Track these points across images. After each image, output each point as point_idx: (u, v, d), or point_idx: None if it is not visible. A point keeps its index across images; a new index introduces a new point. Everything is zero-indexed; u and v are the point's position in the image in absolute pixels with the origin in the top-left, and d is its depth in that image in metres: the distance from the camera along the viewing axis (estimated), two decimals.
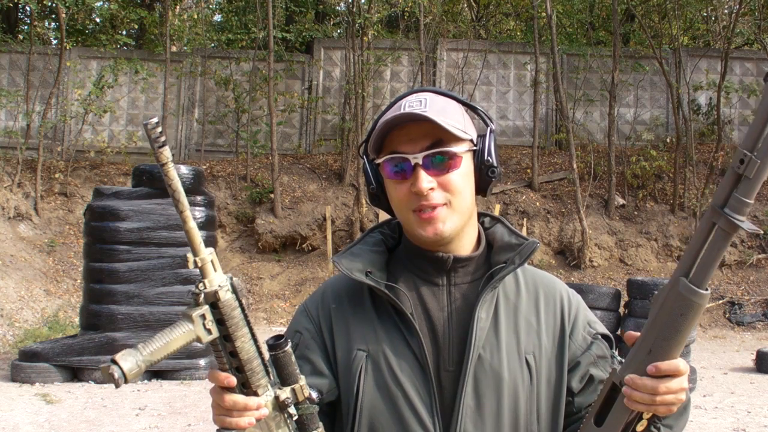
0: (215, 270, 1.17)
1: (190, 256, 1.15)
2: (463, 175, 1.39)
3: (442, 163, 1.36)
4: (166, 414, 6.78)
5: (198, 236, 1.15)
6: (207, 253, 1.16)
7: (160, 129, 1.08)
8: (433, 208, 1.36)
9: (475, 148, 1.42)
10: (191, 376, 8.14)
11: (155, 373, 8.13)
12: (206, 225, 8.53)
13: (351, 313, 1.44)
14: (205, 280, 1.16)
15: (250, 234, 13.85)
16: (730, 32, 15.07)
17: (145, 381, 8.04)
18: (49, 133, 14.69)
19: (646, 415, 1.28)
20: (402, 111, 1.36)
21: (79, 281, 11.49)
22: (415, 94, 1.41)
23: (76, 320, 10.11)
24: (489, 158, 1.41)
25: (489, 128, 1.44)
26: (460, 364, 1.37)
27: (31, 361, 7.90)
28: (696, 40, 18.26)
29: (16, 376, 7.88)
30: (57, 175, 14.08)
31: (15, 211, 12.91)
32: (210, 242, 8.56)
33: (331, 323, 1.44)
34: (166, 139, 1.10)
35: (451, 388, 1.37)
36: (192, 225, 1.14)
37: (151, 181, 8.47)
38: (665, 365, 1.23)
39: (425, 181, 1.35)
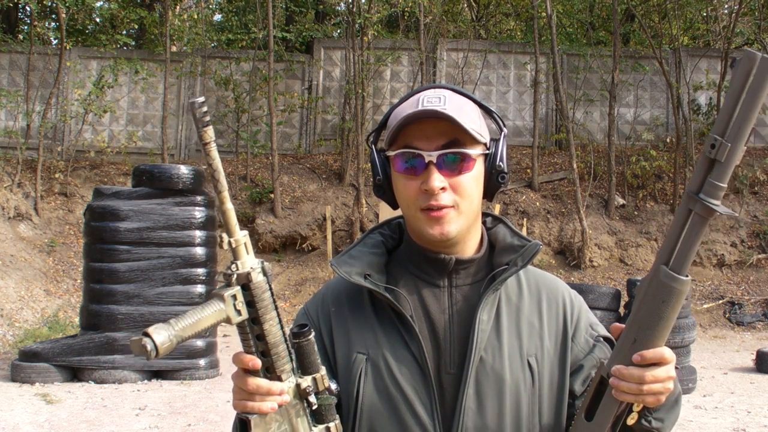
0: (248, 252, 1.18)
1: (224, 236, 1.16)
2: (474, 179, 1.37)
3: (455, 164, 1.35)
4: (166, 414, 6.78)
5: (234, 218, 1.16)
6: (241, 235, 1.17)
7: (205, 108, 1.10)
8: (441, 208, 1.34)
9: (488, 151, 1.40)
10: (191, 376, 8.14)
11: (155, 373, 8.14)
12: (206, 225, 8.54)
13: (350, 316, 1.43)
14: (238, 262, 1.17)
15: (250, 234, 13.64)
16: (730, 32, 15.07)
17: (145, 381, 8.04)
18: (49, 133, 14.69)
19: (636, 408, 1.28)
20: (421, 106, 1.34)
21: (79, 281, 11.49)
22: (432, 90, 1.39)
23: (76, 320, 10.11)
24: (501, 163, 1.40)
25: (503, 132, 1.42)
26: (461, 367, 1.36)
27: (31, 361, 7.89)
28: (696, 40, 18.27)
29: (16, 376, 7.88)
30: (57, 175, 14.08)
31: (15, 211, 12.91)
32: (211, 242, 8.56)
33: (331, 326, 1.43)
34: (210, 120, 1.11)
35: (452, 391, 1.36)
36: (229, 206, 1.15)
37: (151, 181, 8.46)
38: (650, 353, 1.23)
39: (437, 180, 1.33)
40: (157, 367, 8.06)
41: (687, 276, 1.21)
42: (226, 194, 1.15)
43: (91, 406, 7.01)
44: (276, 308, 1.20)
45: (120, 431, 6.28)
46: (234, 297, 1.16)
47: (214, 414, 6.70)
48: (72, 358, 7.95)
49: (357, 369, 1.37)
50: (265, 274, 1.18)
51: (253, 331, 1.19)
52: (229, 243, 1.16)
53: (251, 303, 1.17)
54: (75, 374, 8.05)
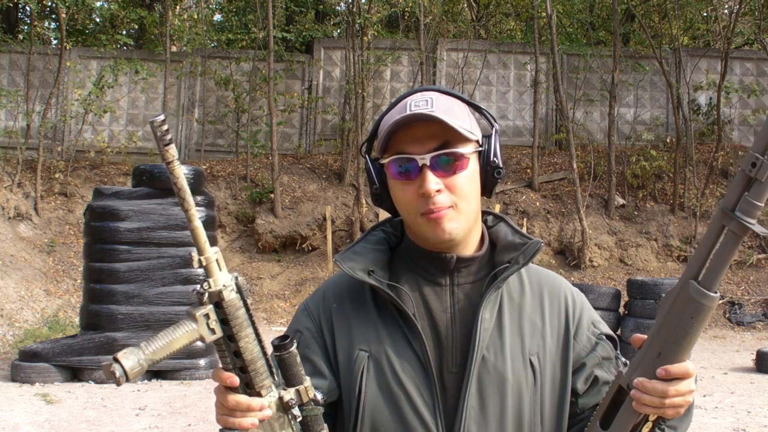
0: (220, 269, 1.16)
1: (194, 254, 1.15)
2: (469, 177, 1.37)
3: (449, 165, 1.34)
4: (166, 414, 6.78)
5: (203, 235, 1.15)
6: (212, 253, 1.15)
7: (166, 127, 1.07)
8: (439, 210, 1.34)
9: (480, 148, 1.40)
10: (191, 376, 8.14)
11: (155, 373, 8.13)
12: (206, 225, 8.53)
13: (352, 313, 1.42)
14: (210, 280, 1.15)
15: (250, 234, 13.85)
16: (730, 32, 15.07)
17: (145, 381, 8.04)
18: (49, 133, 14.69)
19: (651, 417, 1.28)
20: (409, 110, 1.34)
21: (79, 281, 11.49)
22: (419, 93, 1.39)
23: (76, 320, 10.11)
24: (495, 159, 1.40)
25: (494, 128, 1.42)
26: (463, 366, 1.36)
27: (31, 361, 7.89)
28: (696, 40, 18.27)
29: (16, 376, 7.87)
30: (57, 175, 14.07)
31: (15, 211, 12.91)
32: (210, 242, 8.54)
33: (332, 323, 1.43)
34: (172, 137, 1.09)
35: (454, 390, 1.36)
36: (197, 224, 1.14)
37: (151, 181, 8.47)
38: (675, 368, 1.23)
39: (432, 182, 1.33)
40: (157, 367, 8.05)
41: (716, 292, 1.20)
42: (193, 212, 1.13)
43: (91, 406, 7.01)
44: (253, 324, 1.18)
45: (120, 431, 6.28)
46: (207, 316, 1.15)
47: (214, 414, 6.68)
48: (72, 358, 7.95)
49: (359, 366, 1.37)
50: (239, 290, 1.17)
51: (229, 348, 1.18)
52: (200, 261, 1.14)
53: (225, 321, 1.16)
54: (75, 374, 8.05)
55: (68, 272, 12.41)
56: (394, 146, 1.36)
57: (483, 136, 1.42)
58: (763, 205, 1.13)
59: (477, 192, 1.40)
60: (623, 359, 1.33)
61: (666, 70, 14.77)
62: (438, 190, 1.33)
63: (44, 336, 9.78)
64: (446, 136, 1.34)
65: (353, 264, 1.41)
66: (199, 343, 8.85)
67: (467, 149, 1.36)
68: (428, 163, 1.33)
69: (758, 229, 1.14)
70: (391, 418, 1.35)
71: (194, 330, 1.14)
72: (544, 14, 14.72)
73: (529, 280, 1.47)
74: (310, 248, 13.71)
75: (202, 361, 8.23)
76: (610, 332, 1.47)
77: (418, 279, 1.43)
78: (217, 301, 1.15)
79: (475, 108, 1.44)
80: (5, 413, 6.69)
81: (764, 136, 1.12)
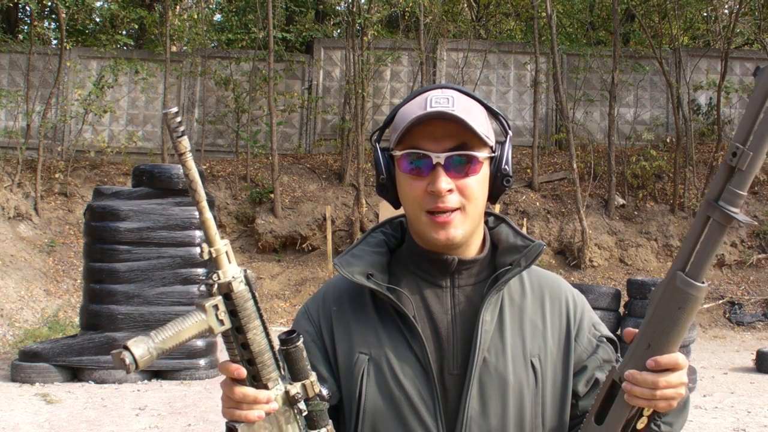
0: (230, 261, 1.17)
1: (205, 246, 1.15)
2: (480, 181, 1.37)
3: (462, 166, 1.34)
4: (166, 414, 6.78)
5: (214, 227, 1.15)
6: (222, 244, 1.16)
7: (179, 119, 1.08)
8: (447, 212, 1.34)
9: (493, 154, 1.39)
10: (191, 376, 8.14)
11: (155, 373, 8.14)
12: None
13: (352, 316, 1.42)
14: (220, 271, 1.16)
15: (250, 234, 13.85)
16: (730, 32, 15.07)
17: (145, 381, 8.04)
18: (49, 133, 14.69)
19: (646, 412, 1.28)
20: (430, 107, 1.33)
21: (79, 281, 11.49)
22: (440, 90, 1.38)
23: (76, 320, 10.10)
24: (506, 167, 1.39)
25: (509, 135, 1.42)
26: (464, 368, 1.36)
27: (31, 361, 7.90)
28: (696, 40, 18.27)
29: (16, 376, 7.88)
30: (57, 175, 14.07)
31: (15, 211, 12.91)
32: None
33: (332, 326, 1.43)
34: (185, 129, 1.09)
35: (455, 392, 1.36)
36: (208, 216, 1.14)
37: (151, 181, 8.47)
38: (665, 359, 1.23)
39: (444, 182, 1.32)
40: (157, 367, 8.06)
41: (704, 282, 1.21)
42: (204, 204, 1.13)
43: (91, 406, 7.01)
44: (261, 316, 1.19)
45: (120, 431, 6.28)
46: (216, 307, 1.15)
47: (214, 414, 6.69)
48: (72, 358, 7.95)
49: (359, 369, 1.37)
50: (248, 282, 1.18)
51: (237, 340, 1.19)
52: (210, 253, 1.15)
53: (234, 312, 1.17)
54: (75, 374, 8.05)
55: (68, 272, 12.41)
56: (409, 140, 1.35)
57: (496, 142, 1.41)
58: (745, 193, 1.15)
59: (484, 197, 1.40)
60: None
61: (666, 70, 14.77)
62: (449, 190, 1.33)
63: (44, 336, 9.78)
64: (464, 137, 1.33)
65: (352, 268, 1.40)
66: (198, 343, 8.81)
67: (482, 153, 1.35)
68: (442, 162, 1.33)
69: (741, 218, 1.15)
70: (392, 421, 1.35)
71: (203, 320, 1.14)
72: (544, 14, 14.72)
73: (529, 282, 1.46)
74: (310, 248, 13.71)
75: (202, 361, 8.23)
76: (611, 334, 1.47)
77: (418, 281, 1.43)
78: (226, 293, 1.16)
79: (491, 113, 1.43)
80: (5, 413, 6.69)
81: (744, 126, 1.14)
